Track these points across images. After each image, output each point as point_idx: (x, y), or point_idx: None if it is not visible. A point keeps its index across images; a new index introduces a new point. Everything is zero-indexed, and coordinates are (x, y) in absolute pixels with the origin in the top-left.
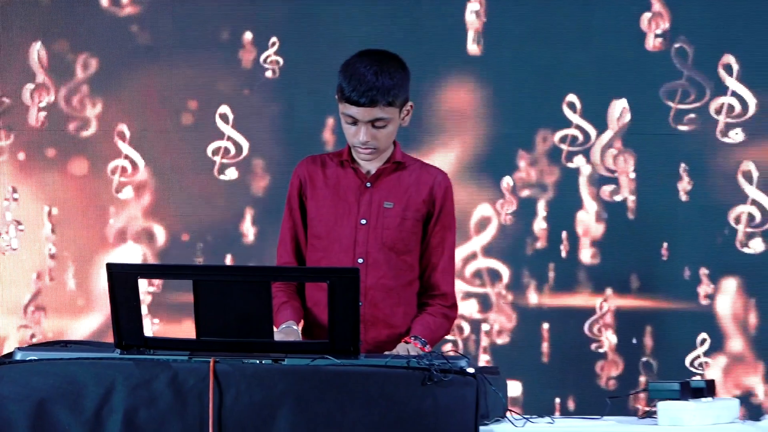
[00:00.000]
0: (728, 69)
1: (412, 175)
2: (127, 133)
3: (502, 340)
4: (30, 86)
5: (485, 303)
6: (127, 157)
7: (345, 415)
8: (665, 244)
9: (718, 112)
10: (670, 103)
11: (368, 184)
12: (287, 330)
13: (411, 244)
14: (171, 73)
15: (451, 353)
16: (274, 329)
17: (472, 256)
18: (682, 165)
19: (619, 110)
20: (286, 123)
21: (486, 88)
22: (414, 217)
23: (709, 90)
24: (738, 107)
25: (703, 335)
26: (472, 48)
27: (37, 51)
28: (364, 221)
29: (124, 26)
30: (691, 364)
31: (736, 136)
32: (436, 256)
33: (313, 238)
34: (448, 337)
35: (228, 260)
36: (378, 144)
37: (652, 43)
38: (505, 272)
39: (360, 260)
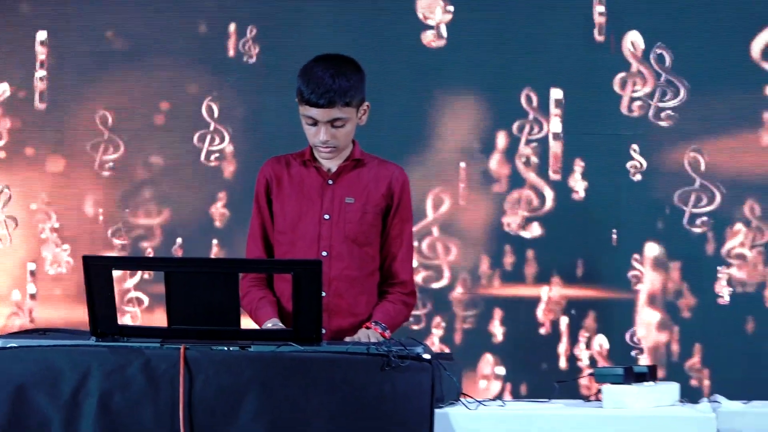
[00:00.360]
0: (661, 58)
1: (371, 171)
2: (114, 122)
3: (452, 325)
4: (23, 77)
5: (436, 292)
6: (115, 144)
7: (308, 400)
8: (614, 230)
9: (658, 98)
10: (620, 92)
11: (330, 182)
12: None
13: (372, 236)
14: (154, 67)
15: (410, 338)
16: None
17: (427, 234)
18: (633, 149)
19: (566, 100)
20: (267, 113)
21: (444, 81)
22: (374, 211)
23: (653, 79)
24: (676, 94)
25: (647, 318)
26: (438, 43)
27: (40, 41)
28: (327, 216)
29: (110, 18)
30: (631, 339)
31: (681, 123)
32: (396, 247)
33: (279, 234)
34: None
35: (214, 244)
36: (337, 143)
37: (601, 35)
38: (457, 257)
39: (324, 253)
